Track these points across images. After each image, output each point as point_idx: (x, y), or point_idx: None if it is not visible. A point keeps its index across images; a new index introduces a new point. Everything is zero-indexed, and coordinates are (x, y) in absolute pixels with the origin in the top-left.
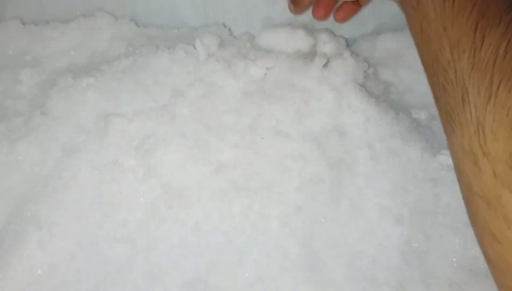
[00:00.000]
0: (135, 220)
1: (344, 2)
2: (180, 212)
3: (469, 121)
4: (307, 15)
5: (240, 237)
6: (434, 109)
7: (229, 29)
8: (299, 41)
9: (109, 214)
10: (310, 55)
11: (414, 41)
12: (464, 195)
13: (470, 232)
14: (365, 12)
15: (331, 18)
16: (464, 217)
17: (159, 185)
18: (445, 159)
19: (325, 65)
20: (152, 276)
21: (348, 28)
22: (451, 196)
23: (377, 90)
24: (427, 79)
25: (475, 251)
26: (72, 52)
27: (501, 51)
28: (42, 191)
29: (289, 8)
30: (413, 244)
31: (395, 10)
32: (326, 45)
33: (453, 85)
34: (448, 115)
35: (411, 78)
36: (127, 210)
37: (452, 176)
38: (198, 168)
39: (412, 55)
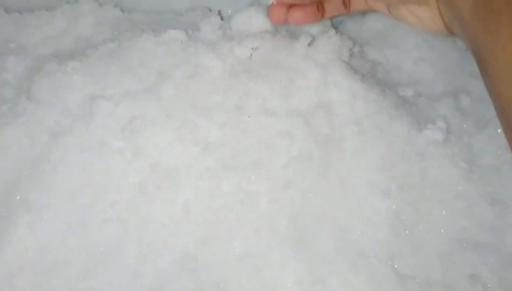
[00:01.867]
0: (125, 200)
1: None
2: (169, 191)
3: None
4: None
5: (229, 214)
6: (420, 87)
7: (219, 12)
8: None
9: (98, 196)
10: (295, 34)
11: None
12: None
13: (458, 204)
14: None
15: None
16: (452, 189)
17: (147, 165)
18: (432, 133)
19: (310, 44)
20: (143, 256)
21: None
22: (439, 169)
23: (364, 69)
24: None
25: (463, 222)
26: (57, 39)
27: None
28: (31, 174)
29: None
30: (402, 217)
31: None
32: (311, 27)
33: None
34: None
35: (398, 57)
36: (116, 191)
37: (439, 150)
38: (185, 148)
39: (398, 35)
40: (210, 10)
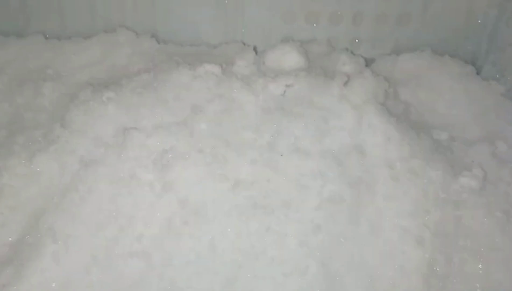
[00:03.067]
0: (151, 235)
1: None
2: (196, 228)
3: None
4: (325, 33)
5: (257, 255)
6: (454, 131)
7: (254, 47)
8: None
9: (124, 228)
10: (329, 73)
11: None
12: None
13: (493, 256)
14: (383, 31)
15: (349, 37)
16: (487, 241)
17: (175, 200)
18: (467, 181)
19: (345, 84)
20: None
21: (367, 48)
22: (473, 218)
23: (397, 110)
24: None
25: (499, 275)
26: (92, 67)
27: None
28: (59, 203)
29: None
30: (435, 268)
31: (413, 30)
32: (346, 66)
33: None
34: None
35: (431, 99)
36: (143, 224)
37: (474, 198)
38: (215, 184)
39: (431, 76)
40: (244, 44)
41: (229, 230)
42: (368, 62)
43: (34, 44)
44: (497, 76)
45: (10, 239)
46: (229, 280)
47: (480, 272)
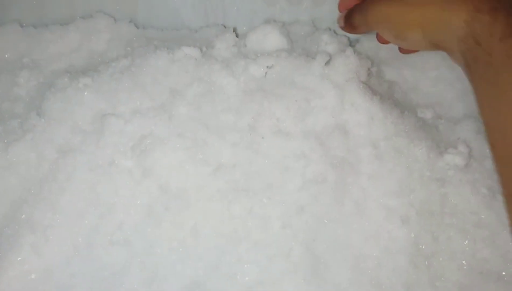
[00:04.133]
0: (132, 222)
1: None
2: (178, 214)
3: None
4: (308, 15)
5: (240, 239)
6: (439, 109)
7: (234, 29)
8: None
9: (105, 217)
10: (311, 53)
11: (482, 117)
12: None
13: (479, 233)
14: None
15: (333, 18)
16: (473, 218)
17: (156, 186)
18: (452, 158)
19: (327, 63)
20: (149, 281)
21: None
22: (459, 196)
23: (381, 89)
24: (497, 169)
25: (486, 252)
26: (70, 54)
27: None
28: (37, 193)
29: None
30: (421, 246)
31: None
32: (328, 45)
33: None
34: None
35: (416, 77)
36: (123, 212)
37: (460, 175)
38: (196, 169)
39: (416, 54)
40: (225, 27)
41: (211, 215)
42: (353, 43)
43: (9, 34)
44: None
45: None
46: (213, 266)
47: (467, 249)
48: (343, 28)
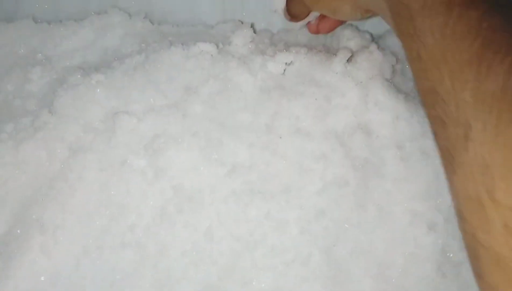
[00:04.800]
0: (144, 224)
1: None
2: (192, 216)
3: (473, 161)
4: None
5: (256, 244)
6: None
7: (252, 25)
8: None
9: (116, 218)
10: (332, 49)
11: (411, 70)
12: (466, 243)
13: None
14: None
15: None
16: None
17: (169, 187)
18: None
19: (349, 60)
20: (161, 285)
21: (374, 23)
22: None
23: (406, 88)
24: (425, 113)
25: None
26: (84, 51)
27: (510, 84)
28: (48, 193)
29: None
30: (448, 254)
31: None
32: (350, 41)
33: (453, 120)
34: (448, 153)
35: None
36: (135, 213)
37: None
38: (211, 169)
39: None
40: (242, 22)
41: (226, 217)
42: (375, 39)
43: (23, 29)
44: None
45: None
46: (227, 270)
47: None
48: (290, 20)
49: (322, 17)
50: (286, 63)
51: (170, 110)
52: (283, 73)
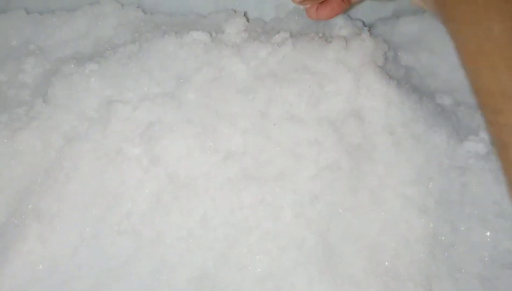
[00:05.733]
0: (140, 212)
1: None
2: (187, 203)
3: None
4: None
5: (251, 229)
6: (458, 95)
7: (244, 14)
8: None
9: (112, 206)
10: (325, 36)
11: (463, 65)
12: None
13: (501, 223)
14: None
15: None
16: (495, 208)
17: (164, 174)
18: (473, 145)
19: (341, 47)
20: (157, 271)
21: (366, 12)
22: (480, 185)
23: (398, 75)
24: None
25: (508, 244)
26: (77, 41)
27: None
28: (43, 182)
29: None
30: (440, 237)
31: None
32: (343, 29)
33: None
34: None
35: (433, 62)
36: (131, 201)
37: (481, 164)
38: (205, 156)
39: (434, 39)
40: (235, 12)
41: (221, 204)
42: (368, 26)
43: (15, 20)
44: None
45: None
46: (223, 256)
47: (488, 240)
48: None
49: (322, 2)
50: (279, 51)
51: (165, 98)
52: (276, 61)
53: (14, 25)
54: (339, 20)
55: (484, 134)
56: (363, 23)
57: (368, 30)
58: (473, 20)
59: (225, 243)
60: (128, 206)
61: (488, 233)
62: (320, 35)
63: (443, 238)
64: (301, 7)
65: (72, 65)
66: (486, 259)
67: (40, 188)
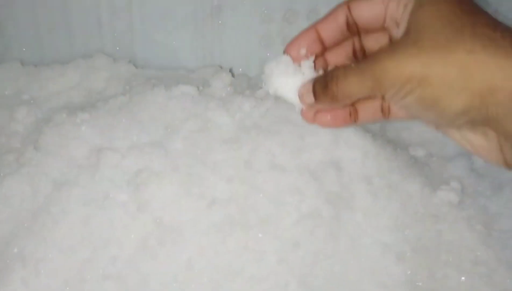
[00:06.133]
0: (125, 256)
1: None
2: (173, 248)
3: None
4: None
5: (236, 274)
6: (431, 147)
7: (230, 69)
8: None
9: (98, 250)
10: None
11: None
12: None
13: (476, 270)
14: None
15: None
16: (469, 255)
17: (151, 220)
18: (446, 194)
19: None
20: None
21: None
22: (454, 232)
23: (374, 128)
24: None
25: (484, 290)
26: (69, 92)
27: None
28: (30, 226)
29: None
30: (418, 283)
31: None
32: None
33: None
34: None
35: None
36: (117, 246)
37: (454, 212)
38: (191, 203)
39: None
40: (221, 67)
41: (206, 249)
42: None
43: (10, 71)
44: None
45: None
46: None
47: (464, 286)
48: (310, 104)
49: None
50: (263, 104)
51: (153, 147)
52: (260, 114)
53: (8, 75)
54: None
55: (455, 184)
56: None
57: None
58: None
59: (210, 288)
60: (114, 250)
61: (464, 279)
62: None
63: (421, 284)
64: (297, 108)
65: (64, 115)
66: None
67: (26, 232)
